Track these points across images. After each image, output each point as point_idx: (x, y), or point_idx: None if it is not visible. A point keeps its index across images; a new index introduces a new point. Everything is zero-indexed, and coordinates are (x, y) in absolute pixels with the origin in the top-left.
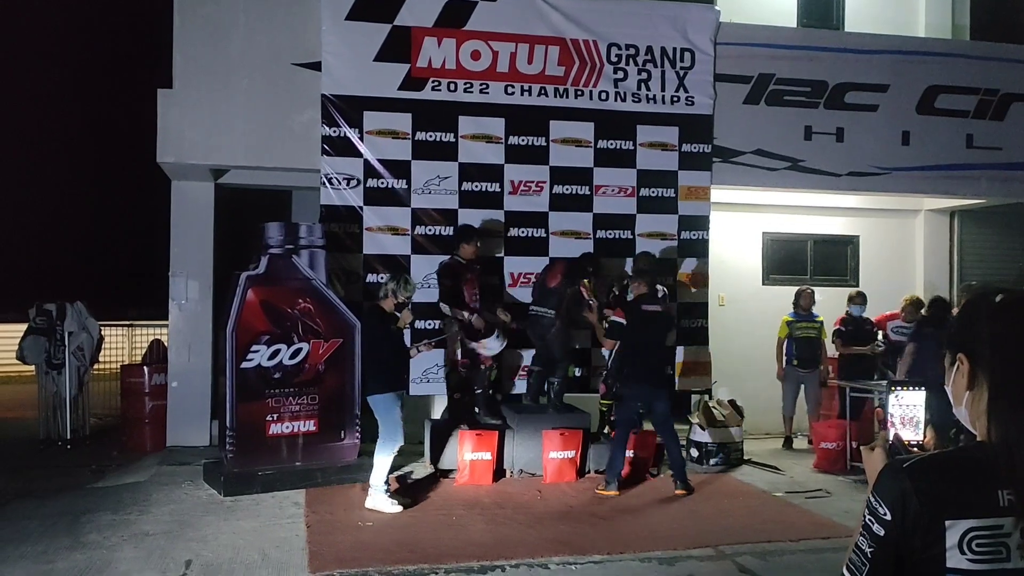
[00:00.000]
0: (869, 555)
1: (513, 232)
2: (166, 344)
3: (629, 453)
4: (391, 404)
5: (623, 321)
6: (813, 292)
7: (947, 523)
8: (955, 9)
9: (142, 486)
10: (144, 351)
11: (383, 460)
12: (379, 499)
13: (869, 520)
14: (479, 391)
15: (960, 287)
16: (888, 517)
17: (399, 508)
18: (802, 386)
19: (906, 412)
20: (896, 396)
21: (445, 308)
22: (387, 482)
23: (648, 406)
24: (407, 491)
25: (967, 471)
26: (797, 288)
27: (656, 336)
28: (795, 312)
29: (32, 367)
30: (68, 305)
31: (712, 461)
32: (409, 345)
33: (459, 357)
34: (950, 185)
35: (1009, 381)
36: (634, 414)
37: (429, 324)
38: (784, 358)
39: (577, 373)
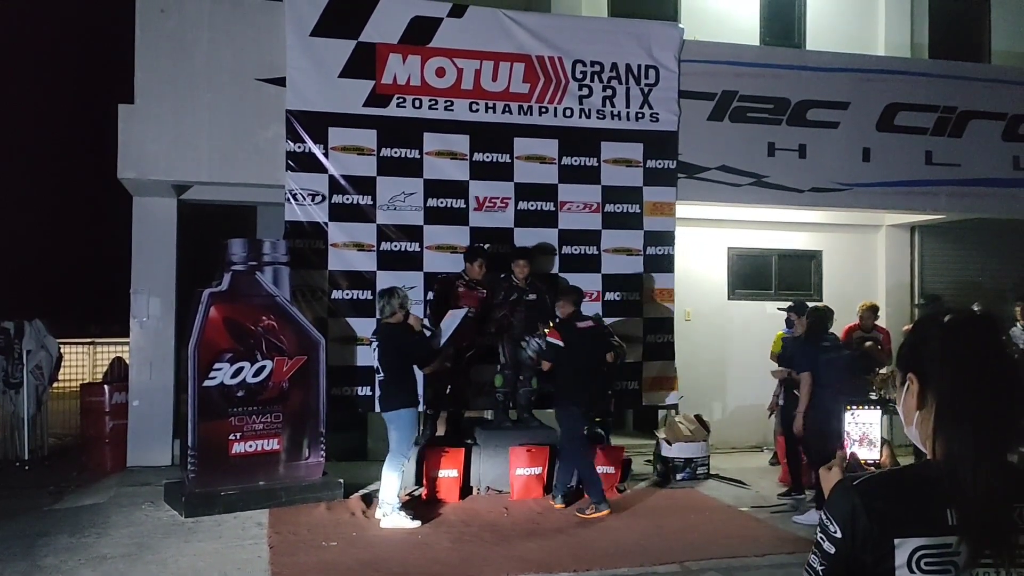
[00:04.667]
0: (821, 573)
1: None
2: (127, 362)
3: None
4: (415, 418)
5: (560, 343)
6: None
7: (896, 541)
8: (914, 28)
9: (101, 507)
10: (105, 369)
11: (394, 477)
12: (395, 518)
13: (821, 538)
14: (452, 409)
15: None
16: (838, 535)
17: (418, 522)
18: None
19: (863, 431)
20: (853, 415)
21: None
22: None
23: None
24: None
25: (916, 489)
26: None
27: (593, 352)
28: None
29: None
30: (26, 323)
31: (678, 476)
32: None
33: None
34: (910, 201)
35: (955, 399)
36: (580, 428)
37: None
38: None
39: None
